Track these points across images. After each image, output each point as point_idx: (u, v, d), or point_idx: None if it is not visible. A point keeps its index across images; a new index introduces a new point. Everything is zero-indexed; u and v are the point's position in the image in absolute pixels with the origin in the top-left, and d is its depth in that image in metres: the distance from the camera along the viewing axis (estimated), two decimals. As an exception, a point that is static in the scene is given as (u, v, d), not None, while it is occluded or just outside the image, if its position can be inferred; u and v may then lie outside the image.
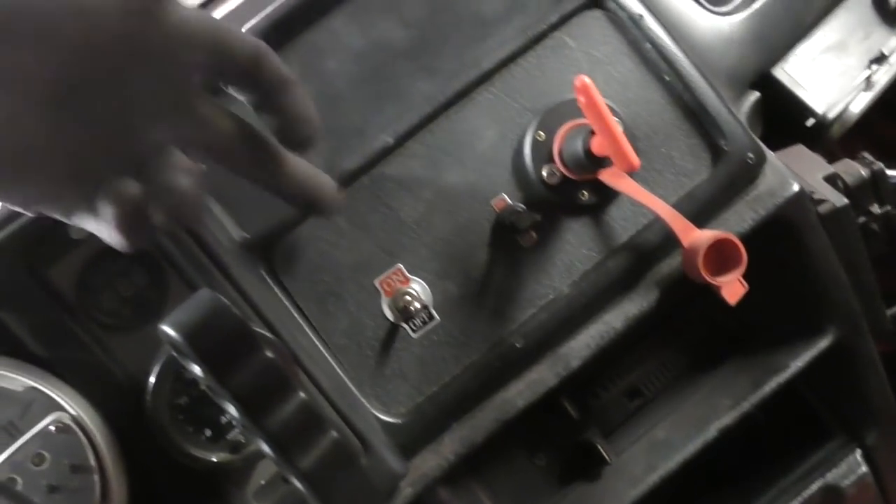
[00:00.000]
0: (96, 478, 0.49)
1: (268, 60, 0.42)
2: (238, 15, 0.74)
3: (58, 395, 0.49)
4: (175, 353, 0.42)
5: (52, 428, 0.48)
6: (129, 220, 0.38)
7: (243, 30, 0.62)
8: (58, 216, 0.40)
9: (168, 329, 0.40)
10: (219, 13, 0.72)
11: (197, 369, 0.41)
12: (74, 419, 0.48)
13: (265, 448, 0.43)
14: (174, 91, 0.38)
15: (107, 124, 0.37)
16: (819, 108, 0.74)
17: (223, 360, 0.40)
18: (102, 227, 0.39)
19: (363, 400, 0.58)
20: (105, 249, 0.51)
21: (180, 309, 0.41)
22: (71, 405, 0.49)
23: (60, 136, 0.36)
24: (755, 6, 0.72)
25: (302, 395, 0.43)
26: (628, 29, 0.62)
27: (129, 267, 0.53)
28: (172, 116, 0.39)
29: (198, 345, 0.40)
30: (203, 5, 0.67)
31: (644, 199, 0.59)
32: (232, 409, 0.42)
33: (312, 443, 0.42)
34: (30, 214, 0.42)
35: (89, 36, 0.34)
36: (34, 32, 0.33)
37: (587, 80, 0.51)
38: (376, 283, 0.60)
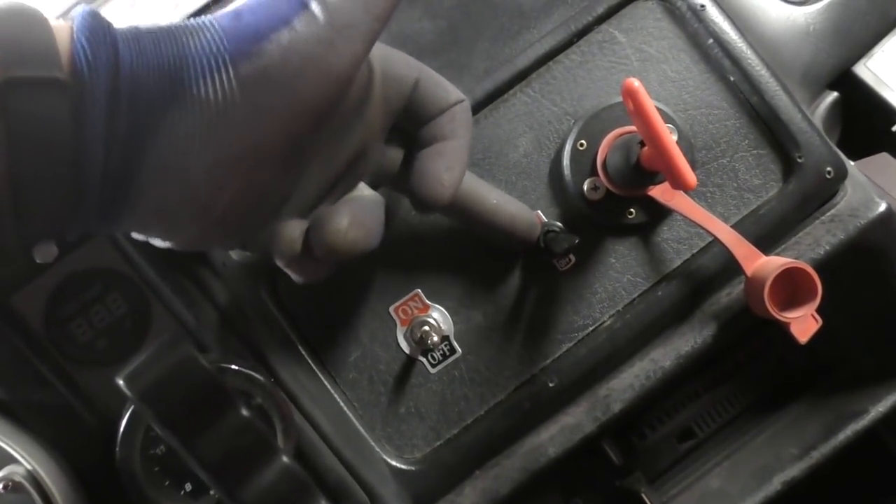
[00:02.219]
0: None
1: (457, 121, 0.45)
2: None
3: (12, 446, 0.43)
4: (134, 418, 0.36)
5: (1, 486, 0.42)
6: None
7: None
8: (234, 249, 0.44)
9: (123, 385, 0.34)
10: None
11: (160, 431, 0.35)
12: (29, 474, 0.42)
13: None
14: (373, 136, 0.43)
15: (320, 171, 0.41)
16: (908, 111, 0.64)
17: (187, 422, 0.34)
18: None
19: (373, 444, 0.51)
20: (76, 273, 0.45)
21: (141, 359, 0.35)
22: (27, 458, 0.43)
23: (279, 186, 0.40)
24: (837, -5, 0.64)
25: (284, 459, 0.36)
26: (688, 21, 0.54)
27: (105, 293, 0.47)
28: (368, 157, 0.44)
29: (157, 404, 0.33)
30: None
31: (701, 220, 0.50)
32: (203, 477, 0.36)
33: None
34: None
35: (326, 105, 0.38)
36: (289, 108, 0.36)
37: (636, 82, 0.43)
38: (391, 310, 0.53)
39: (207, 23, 0.37)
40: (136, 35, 0.36)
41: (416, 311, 0.53)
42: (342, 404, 0.52)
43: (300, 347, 0.51)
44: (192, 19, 0.37)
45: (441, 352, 0.53)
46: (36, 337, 0.46)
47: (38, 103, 0.32)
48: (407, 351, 0.53)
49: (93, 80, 0.33)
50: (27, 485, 0.42)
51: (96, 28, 0.35)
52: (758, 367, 0.61)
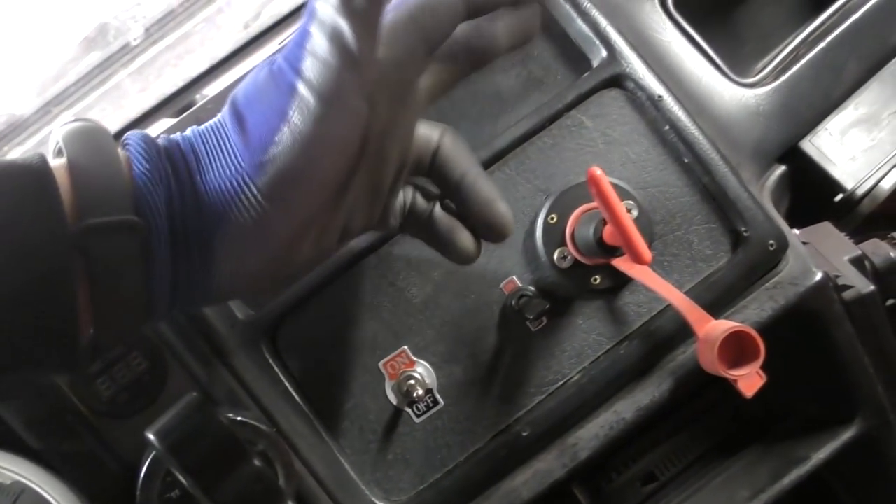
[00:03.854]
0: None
1: (470, 184, 0.49)
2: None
3: (46, 490, 0.48)
4: (162, 459, 0.41)
5: (41, 524, 0.47)
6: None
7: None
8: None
9: (152, 438, 0.39)
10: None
11: (181, 478, 0.41)
12: (62, 515, 0.48)
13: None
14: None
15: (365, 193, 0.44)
16: (848, 183, 0.71)
17: (208, 471, 0.39)
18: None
19: (364, 488, 0.57)
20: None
21: (167, 415, 0.40)
22: (58, 500, 0.48)
23: (338, 217, 0.43)
24: (784, 78, 0.71)
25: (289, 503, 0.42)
26: (647, 109, 0.61)
27: (127, 353, 0.53)
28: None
29: (182, 456, 0.39)
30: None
31: (658, 288, 0.57)
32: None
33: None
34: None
35: (350, 161, 0.41)
36: (315, 185, 0.40)
37: (598, 171, 0.50)
38: (381, 365, 0.59)
39: (220, 143, 0.40)
40: (174, 166, 0.40)
41: (402, 367, 0.59)
42: (336, 451, 0.57)
43: (298, 399, 0.57)
44: (204, 130, 0.41)
45: (425, 403, 0.58)
46: (65, 393, 0.51)
47: (114, 245, 0.36)
48: (394, 402, 0.58)
49: (156, 220, 0.38)
50: (59, 525, 0.47)
51: (153, 161, 0.39)
52: (714, 416, 0.67)
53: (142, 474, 0.48)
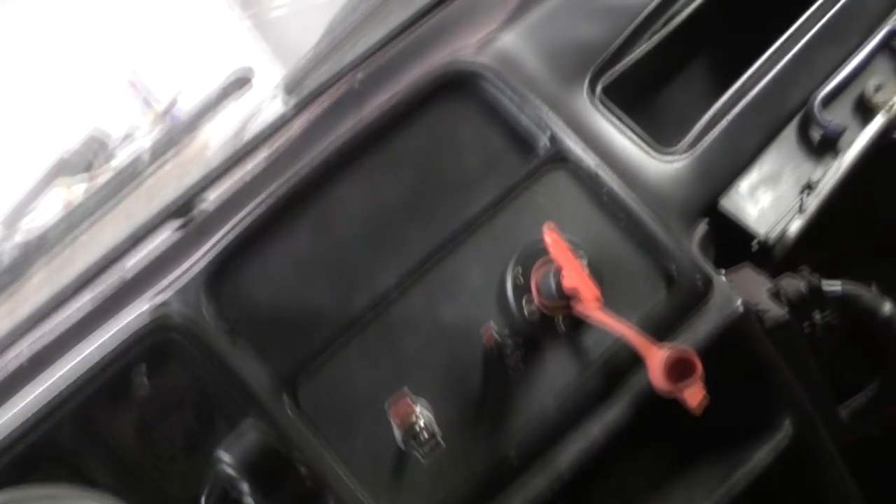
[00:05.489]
0: None
1: None
2: (252, 187, 0.87)
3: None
4: (227, 474, 0.52)
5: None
6: None
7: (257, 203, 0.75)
8: None
9: (223, 454, 0.50)
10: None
11: (245, 487, 0.51)
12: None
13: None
14: None
15: None
16: (760, 231, 0.85)
17: (267, 482, 0.50)
18: None
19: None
20: (157, 399, 0.62)
21: (232, 437, 0.51)
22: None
23: None
24: (698, 150, 0.85)
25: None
26: (587, 183, 0.75)
27: (179, 409, 0.63)
28: None
29: (247, 469, 0.49)
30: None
31: (610, 324, 0.69)
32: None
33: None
34: None
35: None
36: None
37: (553, 227, 0.63)
38: (386, 406, 0.69)
39: None
40: None
41: (405, 408, 0.69)
42: (353, 487, 0.67)
43: (318, 443, 0.67)
44: None
45: (428, 442, 0.69)
46: (131, 443, 0.61)
47: None
48: (401, 440, 0.69)
49: None
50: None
51: None
52: (670, 433, 0.78)
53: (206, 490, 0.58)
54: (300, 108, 1.10)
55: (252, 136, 1.11)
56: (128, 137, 2.37)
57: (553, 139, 0.75)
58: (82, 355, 0.68)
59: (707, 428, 0.77)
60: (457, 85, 0.79)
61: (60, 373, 0.68)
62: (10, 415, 0.66)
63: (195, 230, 0.90)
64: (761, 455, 0.73)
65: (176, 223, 1.03)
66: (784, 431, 0.74)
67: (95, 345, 0.69)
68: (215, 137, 1.11)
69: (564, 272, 0.66)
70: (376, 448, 0.69)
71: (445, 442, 0.69)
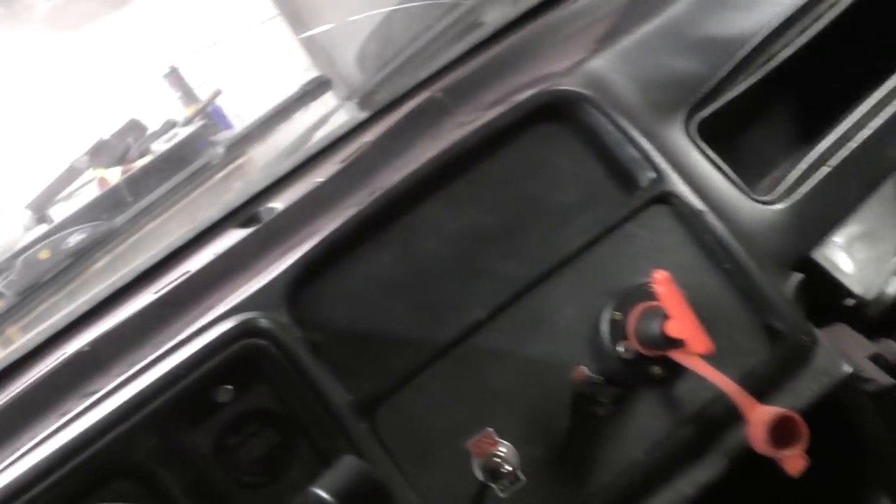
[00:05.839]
0: None
1: None
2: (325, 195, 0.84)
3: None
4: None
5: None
6: None
7: (352, 214, 0.71)
8: None
9: (321, 492, 0.46)
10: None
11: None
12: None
13: None
14: None
15: None
16: (857, 290, 0.81)
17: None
18: None
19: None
20: (242, 413, 0.58)
21: (330, 473, 0.47)
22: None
23: None
24: (795, 197, 0.81)
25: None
26: (691, 222, 0.71)
27: (262, 430, 0.60)
28: None
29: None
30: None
31: (711, 376, 0.65)
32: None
33: None
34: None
35: None
36: None
37: (667, 273, 0.59)
38: (468, 444, 0.66)
39: None
40: None
41: (488, 446, 0.66)
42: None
43: (398, 475, 0.63)
44: None
45: (509, 480, 0.65)
46: (211, 464, 0.58)
47: None
48: (481, 478, 0.65)
49: None
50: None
51: None
52: (759, 492, 0.74)
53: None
54: (375, 116, 1.07)
55: (321, 143, 1.08)
56: (166, 128, 2.36)
57: (659, 174, 0.72)
58: (154, 355, 0.65)
59: (796, 495, 0.73)
60: (558, 110, 0.75)
61: (131, 371, 0.65)
62: (75, 415, 0.63)
63: (264, 233, 0.87)
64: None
65: (240, 224, 1.00)
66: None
67: (169, 345, 0.66)
68: (281, 143, 1.09)
69: (673, 321, 0.62)
70: (454, 488, 0.65)
71: (530, 487, 0.65)
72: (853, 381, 0.69)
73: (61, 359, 0.78)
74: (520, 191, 0.73)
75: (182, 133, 2.16)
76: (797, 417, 0.62)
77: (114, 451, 0.56)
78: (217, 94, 2.51)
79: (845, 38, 0.90)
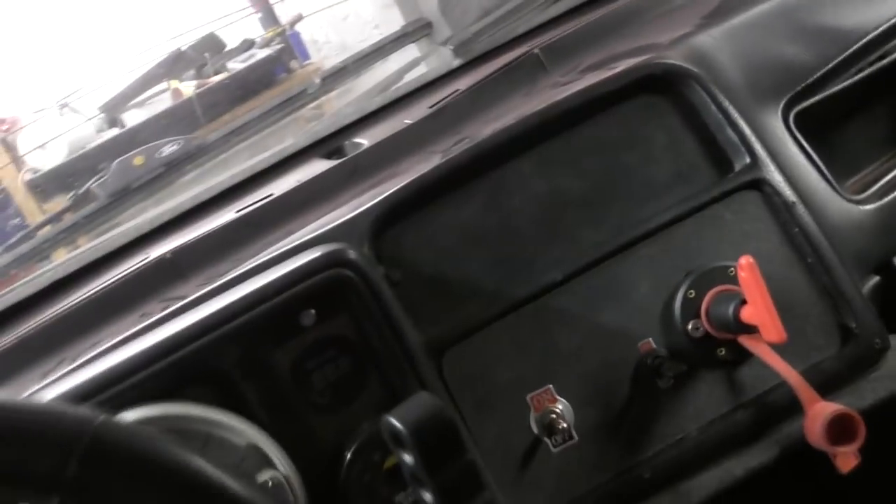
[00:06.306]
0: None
1: None
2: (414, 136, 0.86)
3: (272, 455, 0.57)
4: (392, 443, 0.50)
5: (270, 482, 0.56)
6: None
7: (443, 160, 0.73)
8: None
9: (395, 422, 0.49)
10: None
11: (408, 458, 0.50)
12: (286, 478, 0.57)
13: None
14: None
15: None
16: (935, 301, 0.80)
17: (436, 456, 0.48)
18: None
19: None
20: (322, 338, 0.61)
21: (404, 406, 0.49)
22: (282, 465, 0.57)
23: None
24: (887, 199, 0.80)
25: (487, 494, 0.50)
26: (780, 212, 0.71)
27: (337, 357, 0.62)
28: None
29: (418, 440, 0.48)
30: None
31: (777, 366, 0.66)
32: (428, 498, 0.50)
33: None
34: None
35: None
36: None
37: (752, 259, 0.60)
38: (528, 398, 0.68)
39: None
40: None
41: (546, 402, 0.68)
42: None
43: (457, 414, 0.66)
44: None
45: (563, 436, 0.67)
46: (288, 382, 0.61)
47: None
48: (536, 432, 0.67)
49: None
50: (286, 484, 0.56)
51: None
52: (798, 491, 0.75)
53: (349, 455, 0.57)
54: (469, 64, 1.08)
55: (413, 84, 1.10)
56: (244, 48, 2.38)
57: (754, 160, 0.71)
58: (238, 271, 0.68)
59: (844, 500, 0.74)
60: (662, 83, 0.75)
61: (215, 284, 0.68)
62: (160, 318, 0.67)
63: (349, 166, 0.89)
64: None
65: (325, 155, 1.02)
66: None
67: (252, 263, 0.68)
68: (372, 82, 1.10)
69: (750, 306, 0.63)
70: (509, 437, 0.67)
71: (582, 446, 0.67)
72: (918, 390, 0.69)
73: (143, 263, 0.82)
74: (612, 159, 0.74)
75: (259, 55, 2.17)
76: (856, 416, 0.63)
77: (201, 357, 0.59)
78: (298, 18, 2.52)
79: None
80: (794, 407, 0.67)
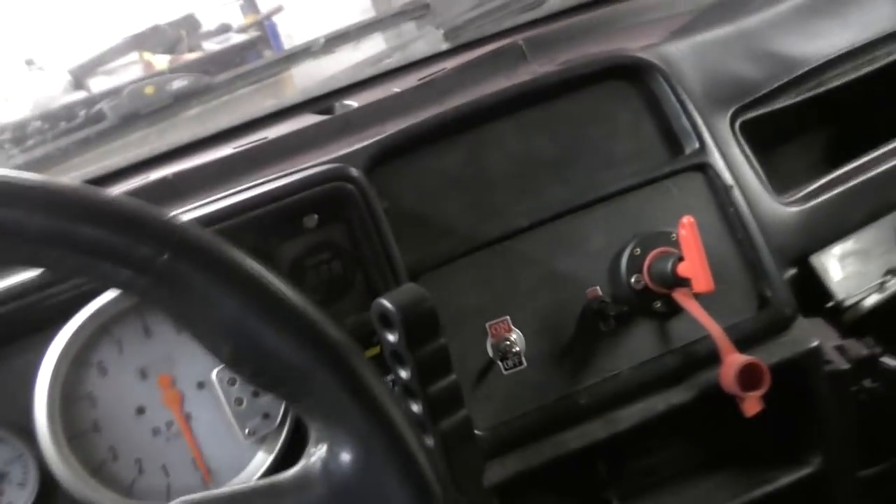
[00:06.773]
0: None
1: None
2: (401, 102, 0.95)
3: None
4: (379, 323, 0.59)
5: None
6: None
7: (431, 114, 0.82)
8: None
9: (385, 303, 0.57)
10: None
11: (392, 337, 0.58)
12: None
13: (419, 406, 0.59)
14: None
15: None
16: (839, 295, 0.92)
17: (418, 334, 0.57)
18: None
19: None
20: (321, 242, 0.69)
21: (395, 292, 0.58)
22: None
23: None
24: (809, 204, 0.92)
25: (454, 376, 0.60)
26: (719, 193, 0.82)
27: (331, 260, 0.71)
28: None
29: (404, 318, 0.57)
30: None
31: (703, 319, 0.77)
32: (404, 373, 0.59)
33: (452, 410, 0.59)
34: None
35: None
36: None
37: (693, 220, 0.71)
38: (487, 325, 0.77)
39: None
40: None
41: (503, 331, 0.77)
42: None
43: None
44: None
45: (514, 361, 0.77)
46: (284, 274, 0.69)
47: None
48: (491, 355, 0.77)
49: None
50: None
51: None
52: (712, 436, 0.86)
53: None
54: (459, 48, 1.18)
55: (404, 59, 1.19)
56: (220, 31, 2.44)
57: (702, 147, 0.83)
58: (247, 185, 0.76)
59: (745, 442, 0.85)
60: (630, 72, 0.86)
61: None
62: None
63: (339, 122, 0.98)
64: (786, 480, 0.81)
65: (316, 112, 1.11)
66: (813, 466, 0.82)
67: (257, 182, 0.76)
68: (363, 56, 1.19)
69: (686, 261, 0.73)
70: (466, 357, 0.76)
71: (529, 371, 0.77)
72: (818, 355, 0.81)
73: (144, 181, 0.89)
74: (581, 131, 0.84)
75: (235, 38, 2.24)
76: (763, 366, 0.74)
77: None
78: (278, 9, 2.60)
79: (891, 84, 1.01)
80: (713, 357, 0.78)
